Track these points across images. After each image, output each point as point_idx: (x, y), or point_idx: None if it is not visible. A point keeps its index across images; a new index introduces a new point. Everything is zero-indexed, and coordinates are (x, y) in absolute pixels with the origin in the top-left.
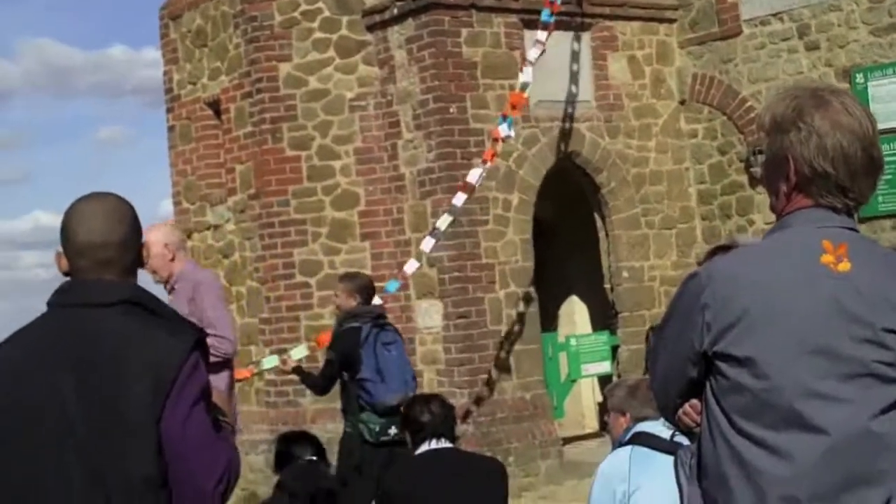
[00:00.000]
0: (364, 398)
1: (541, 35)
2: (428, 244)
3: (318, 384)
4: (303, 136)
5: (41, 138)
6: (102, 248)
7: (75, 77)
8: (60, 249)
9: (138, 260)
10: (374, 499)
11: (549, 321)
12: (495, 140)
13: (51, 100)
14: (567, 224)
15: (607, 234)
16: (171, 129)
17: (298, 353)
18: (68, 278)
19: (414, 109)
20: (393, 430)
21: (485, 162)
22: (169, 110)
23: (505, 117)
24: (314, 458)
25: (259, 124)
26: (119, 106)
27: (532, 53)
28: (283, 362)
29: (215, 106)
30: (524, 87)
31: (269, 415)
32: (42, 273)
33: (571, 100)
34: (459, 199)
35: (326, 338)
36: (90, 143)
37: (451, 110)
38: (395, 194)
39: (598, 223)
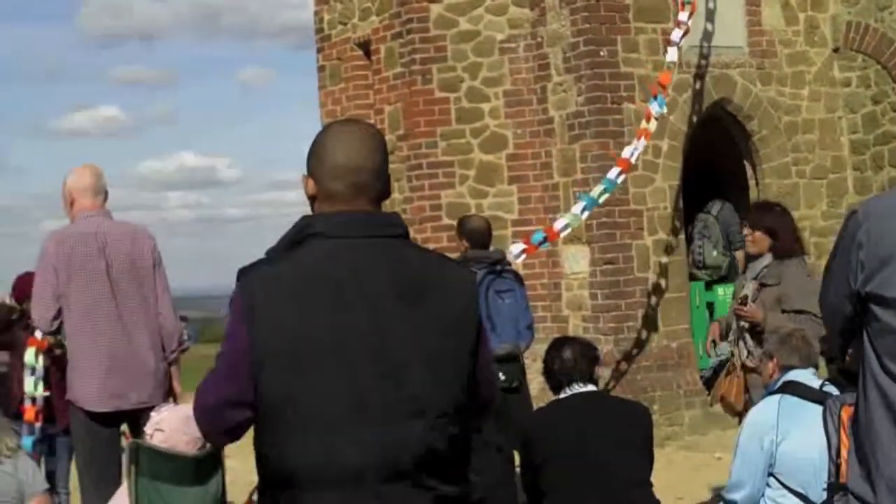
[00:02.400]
0: None
1: (682, 16)
2: (578, 207)
3: None
4: (452, 78)
5: (187, 79)
6: (359, 172)
7: (221, 18)
8: (305, 173)
9: (386, 190)
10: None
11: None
12: (647, 118)
13: (197, 41)
14: (717, 172)
15: (757, 183)
16: (320, 69)
17: None
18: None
19: (564, 52)
20: (501, 378)
21: (639, 139)
22: (319, 50)
23: (655, 96)
24: None
25: (409, 65)
26: (263, 48)
27: (675, 34)
28: None
29: (365, 46)
30: (671, 66)
31: None
32: (187, 213)
33: (724, 46)
34: (614, 172)
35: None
36: (233, 83)
37: (602, 53)
38: (544, 138)
39: (749, 171)
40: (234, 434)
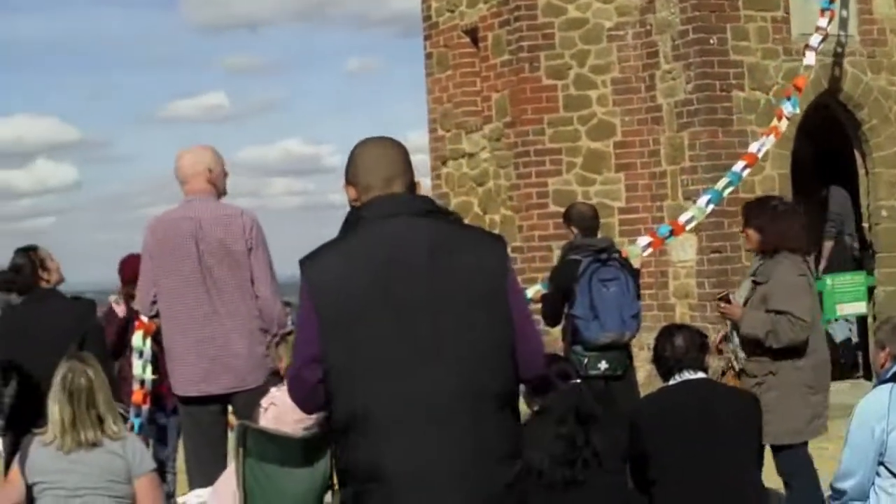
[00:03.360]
0: (576, 334)
1: (822, 21)
2: (703, 200)
3: (547, 314)
4: (560, 65)
5: (294, 67)
6: (390, 181)
7: (326, 7)
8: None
9: (413, 183)
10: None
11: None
12: (779, 117)
13: (303, 29)
14: (826, 161)
15: (867, 173)
16: (428, 56)
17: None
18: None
19: (673, 40)
20: (603, 365)
21: (768, 135)
22: (426, 38)
23: (789, 97)
24: (577, 381)
25: (516, 52)
26: (369, 36)
27: (814, 40)
28: (536, 292)
29: (473, 34)
30: (807, 69)
31: None
32: (292, 200)
33: (834, 34)
34: (739, 166)
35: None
36: (341, 72)
37: (711, 41)
38: (652, 125)
39: (858, 161)
40: (316, 396)
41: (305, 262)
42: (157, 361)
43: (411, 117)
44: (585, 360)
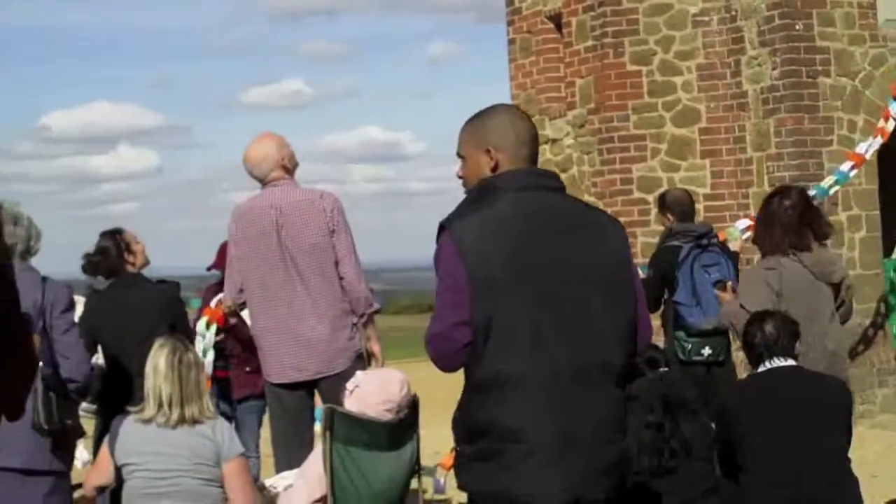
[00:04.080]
0: (678, 320)
1: None
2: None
3: (647, 299)
4: (644, 51)
5: (372, 53)
6: (522, 145)
7: None
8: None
9: (537, 156)
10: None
11: (891, 247)
12: (886, 118)
13: (380, 15)
14: None
15: None
16: (510, 42)
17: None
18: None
19: (759, 25)
20: (707, 351)
21: (875, 136)
22: (509, 23)
23: (895, 97)
24: (665, 369)
25: (600, 38)
26: (448, 22)
27: None
28: None
29: (556, 19)
30: None
31: None
32: (371, 187)
33: None
34: (847, 166)
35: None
36: (420, 58)
37: (798, 27)
38: (738, 112)
39: None
40: (459, 357)
41: (451, 224)
42: (223, 350)
43: (492, 103)
44: (689, 346)
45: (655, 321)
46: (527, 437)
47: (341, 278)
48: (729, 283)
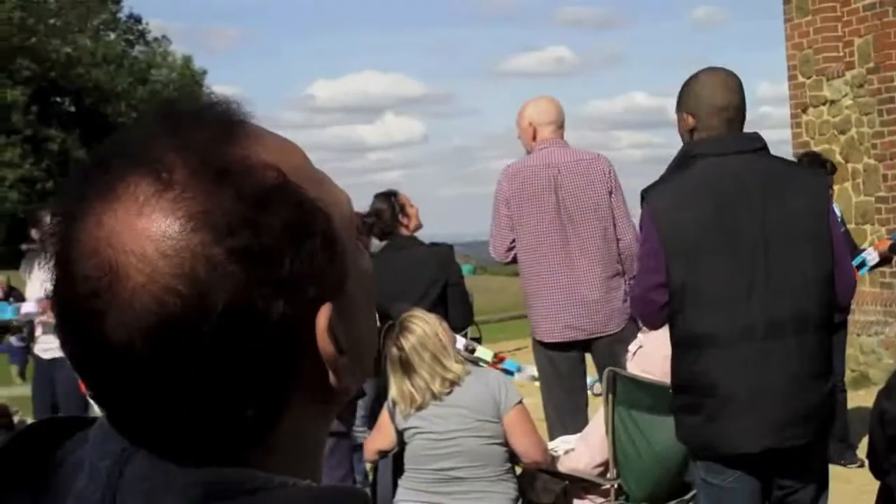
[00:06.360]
0: None
1: None
2: None
3: None
4: None
5: (636, 18)
6: (728, 109)
7: None
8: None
9: (744, 119)
10: None
11: None
12: None
13: None
14: None
15: None
16: (786, 1)
17: None
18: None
19: None
20: None
21: None
22: None
23: None
24: None
25: None
26: None
27: None
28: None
29: None
30: None
31: (883, 295)
32: (637, 153)
33: None
34: None
35: (883, 243)
36: (684, 23)
37: None
38: None
39: None
40: (659, 316)
41: (649, 193)
42: None
43: (758, 69)
44: None
45: None
46: (723, 391)
47: (618, 240)
48: None
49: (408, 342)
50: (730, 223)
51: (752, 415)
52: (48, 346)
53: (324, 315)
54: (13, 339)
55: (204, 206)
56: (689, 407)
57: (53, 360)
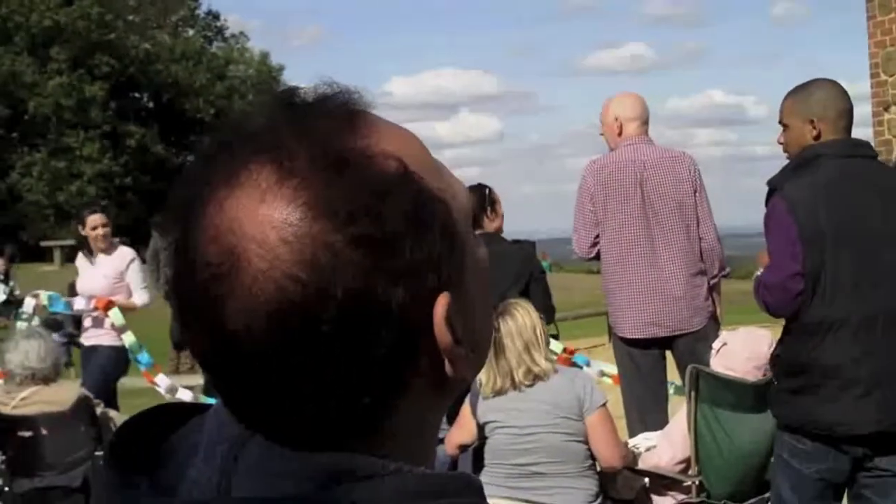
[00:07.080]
0: None
1: None
2: None
3: None
4: None
5: (715, 15)
6: (845, 115)
7: None
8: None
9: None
10: None
11: None
12: None
13: None
14: None
15: None
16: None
17: None
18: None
19: None
20: None
21: None
22: None
23: None
24: None
25: None
26: None
27: None
28: None
29: None
30: None
31: None
32: (714, 151)
33: None
34: None
35: None
36: (764, 19)
37: None
38: None
39: None
40: (793, 304)
41: (783, 186)
42: None
43: (840, 66)
44: None
45: None
46: (844, 374)
47: (701, 238)
48: None
49: (506, 326)
50: (859, 218)
51: (869, 397)
52: (90, 335)
53: (442, 304)
54: (56, 336)
55: (325, 194)
56: (804, 389)
57: (91, 347)
